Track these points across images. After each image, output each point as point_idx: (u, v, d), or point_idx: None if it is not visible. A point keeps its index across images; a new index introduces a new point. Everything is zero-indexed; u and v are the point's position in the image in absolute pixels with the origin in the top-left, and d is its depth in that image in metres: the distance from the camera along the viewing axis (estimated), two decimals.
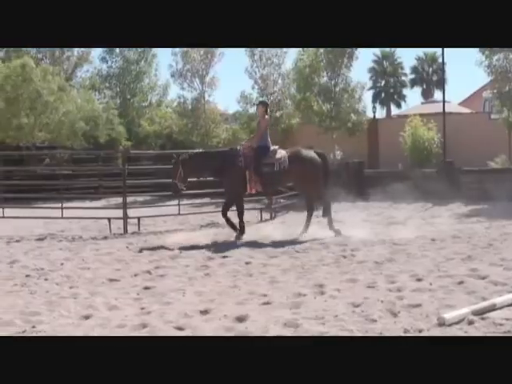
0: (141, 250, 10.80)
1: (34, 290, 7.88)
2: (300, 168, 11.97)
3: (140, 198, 19.45)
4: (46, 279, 8.53)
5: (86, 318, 6.49)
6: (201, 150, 15.01)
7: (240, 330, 5.82)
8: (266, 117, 12.31)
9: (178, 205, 14.79)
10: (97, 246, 11.64)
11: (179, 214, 14.95)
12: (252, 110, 27.72)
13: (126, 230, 13.42)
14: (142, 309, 6.80)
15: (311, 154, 12.38)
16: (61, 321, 6.39)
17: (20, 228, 14.29)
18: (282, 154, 12.03)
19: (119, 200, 15.30)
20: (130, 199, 14.00)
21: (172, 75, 29.40)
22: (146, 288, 7.83)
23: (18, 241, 12.47)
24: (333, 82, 25.94)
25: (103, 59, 32.37)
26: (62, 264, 9.66)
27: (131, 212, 14.12)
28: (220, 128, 28.86)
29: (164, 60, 39.82)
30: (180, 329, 5.95)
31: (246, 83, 29.16)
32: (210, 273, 8.77)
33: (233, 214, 12.27)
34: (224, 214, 12.07)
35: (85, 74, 35.28)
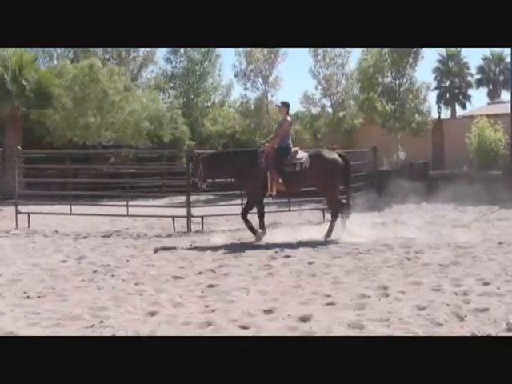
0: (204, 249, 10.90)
1: (101, 285, 8.06)
2: (321, 168, 11.95)
3: (203, 197, 19.62)
4: (112, 275, 8.70)
5: (152, 314, 6.60)
6: (221, 150, 15.00)
7: (304, 329, 5.83)
8: (288, 118, 12.39)
9: (241, 204, 14.84)
10: (161, 243, 11.80)
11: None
12: (315, 110, 27.68)
13: (189, 229, 13.57)
14: (207, 307, 6.88)
15: (333, 155, 12.45)
16: (127, 316, 6.51)
17: (87, 225, 14.62)
18: (302, 154, 12.13)
19: (182, 199, 15.46)
20: (193, 198, 14.12)
21: (235, 75, 29.57)
22: (210, 286, 7.91)
23: (85, 237, 12.76)
24: (397, 82, 25.61)
25: (168, 60, 32.83)
26: (127, 261, 9.84)
27: (195, 211, 14.26)
28: None
29: (228, 60, 40.25)
30: (244, 327, 5.99)
31: (309, 83, 29.15)
32: (273, 272, 8.79)
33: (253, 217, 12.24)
34: (244, 217, 12.14)
35: (150, 74, 35.87)
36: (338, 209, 12.20)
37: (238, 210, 14.90)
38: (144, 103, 27.85)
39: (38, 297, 7.49)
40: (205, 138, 31.17)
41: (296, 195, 15.37)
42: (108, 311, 6.72)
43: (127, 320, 6.36)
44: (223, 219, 15.37)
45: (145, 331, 5.90)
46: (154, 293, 7.59)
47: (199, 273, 8.83)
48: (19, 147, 18.30)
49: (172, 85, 32.87)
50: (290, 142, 12.28)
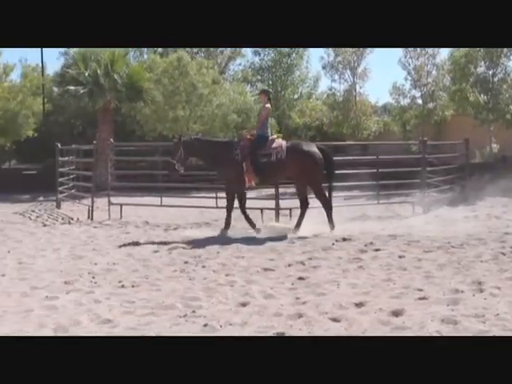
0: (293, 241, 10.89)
1: (192, 276, 8.18)
2: (297, 160, 11.67)
3: (290, 190, 19.60)
4: (203, 266, 8.82)
5: (243, 305, 6.66)
6: (203, 137, 14.79)
7: (397, 324, 5.75)
8: (267, 105, 12.08)
9: (330, 196, 14.74)
10: (249, 235, 11.87)
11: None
12: (404, 101, 27.25)
13: (277, 221, 13.58)
14: (297, 299, 6.88)
15: (311, 147, 12.08)
16: (219, 307, 6.59)
17: (176, 216, 14.87)
18: (278, 143, 11.85)
19: (270, 191, 15.48)
20: (280, 190, 14.10)
21: (323, 67, 29.47)
22: (300, 278, 7.90)
23: (175, 228, 12.97)
24: (491, 72, 24.89)
25: (256, 52, 32.89)
26: (218, 252, 9.94)
27: (283, 203, 14.26)
28: (371, 120, 28.59)
29: (315, 52, 39.96)
30: (336, 320, 5.96)
31: (399, 74, 28.75)
32: (363, 265, 8.70)
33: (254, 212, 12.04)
34: (228, 212, 12.01)
35: (237, 67, 36.05)
36: (307, 203, 12.05)
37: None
38: (232, 96, 28.02)
39: (133, 286, 7.68)
40: (292, 130, 31.13)
41: (384, 188, 15.18)
42: (200, 301, 6.82)
43: (219, 310, 6.43)
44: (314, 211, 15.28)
45: (237, 321, 5.96)
46: (245, 284, 7.65)
47: (289, 265, 8.84)
48: (111, 140, 18.75)
49: (259, 77, 32.92)
50: (268, 130, 12.07)
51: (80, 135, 28.07)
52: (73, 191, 17.91)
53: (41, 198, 20.31)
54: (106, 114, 24.47)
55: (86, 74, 23.52)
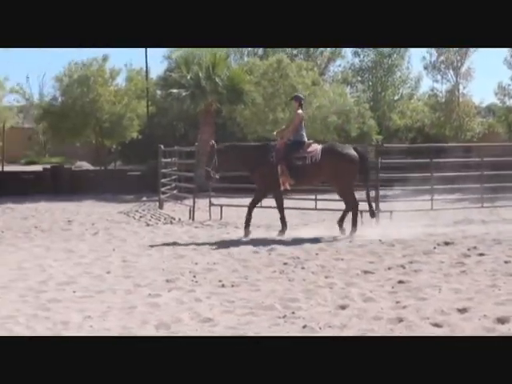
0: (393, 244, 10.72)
1: (291, 277, 8.20)
2: (332, 162, 11.74)
3: (390, 192, 19.31)
4: (302, 268, 8.82)
5: (343, 308, 6.62)
6: (237, 143, 14.61)
7: (502, 331, 5.57)
8: (300, 111, 12.18)
9: (431, 200, 14.49)
10: (347, 237, 11.77)
11: (432, 209, 14.61)
12: (510, 102, 26.36)
13: (378, 223, 13.40)
14: (397, 303, 6.78)
15: (347, 149, 12.16)
16: (318, 309, 6.58)
17: (276, 217, 14.89)
18: (314, 147, 11.95)
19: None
20: (381, 193, 13.93)
21: (425, 67, 28.91)
22: (401, 282, 7.78)
23: (275, 230, 13.00)
24: None
25: (356, 53, 32.63)
26: (316, 254, 9.92)
27: (383, 206, 14.08)
28: (474, 121, 27.80)
29: (417, 53, 39.10)
30: (437, 326, 5.84)
31: (505, 74, 27.81)
32: (466, 270, 8.47)
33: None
34: (249, 210, 12.20)
35: (337, 68, 35.87)
36: (355, 205, 11.99)
37: (428, 205, 14.56)
38: (332, 97, 27.90)
39: (232, 286, 7.78)
40: (392, 132, 30.70)
41: (489, 190, 14.74)
42: (299, 303, 6.83)
43: (318, 312, 6.42)
44: (413, 215, 15.01)
45: (336, 324, 5.93)
46: (344, 286, 7.60)
47: (389, 268, 8.71)
48: (213, 142, 19.07)
49: (359, 78, 32.64)
50: (304, 134, 12.11)
51: (182, 137, 28.66)
52: (175, 192, 18.31)
53: (144, 199, 20.86)
54: (207, 116, 24.84)
55: (188, 77, 23.96)
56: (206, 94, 24.08)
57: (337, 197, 12.77)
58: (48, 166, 25.13)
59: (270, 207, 12.96)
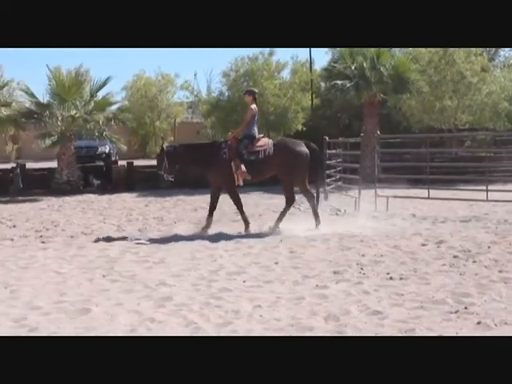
0: None
1: (462, 271, 7.94)
2: (282, 158, 11.82)
3: None
4: (473, 261, 8.52)
5: None
6: (186, 142, 13.83)
7: None
8: (253, 106, 12.15)
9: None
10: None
11: None
12: None
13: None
14: None
15: (298, 145, 12.17)
16: (493, 305, 6.33)
17: (443, 209, 14.51)
18: (265, 141, 12.06)
19: None
20: None
21: None
22: None
23: (442, 222, 12.67)
24: None
25: None
26: (488, 247, 9.53)
27: None
28: None
29: None
30: None
31: None
32: None
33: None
34: (211, 210, 12.10)
35: (508, 53, 34.19)
36: (293, 200, 12.09)
37: None
38: (502, 83, 26.66)
39: (401, 278, 7.66)
40: None
41: None
42: (472, 298, 6.60)
43: (493, 308, 6.17)
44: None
45: None
46: None
47: None
48: (378, 132, 18.87)
49: None
50: (255, 129, 12.09)
51: (346, 128, 28.55)
52: (339, 183, 18.28)
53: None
54: (371, 107, 24.58)
55: (353, 68, 23.81)
56: (371, 85, 23.81)
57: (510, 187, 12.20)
58: None
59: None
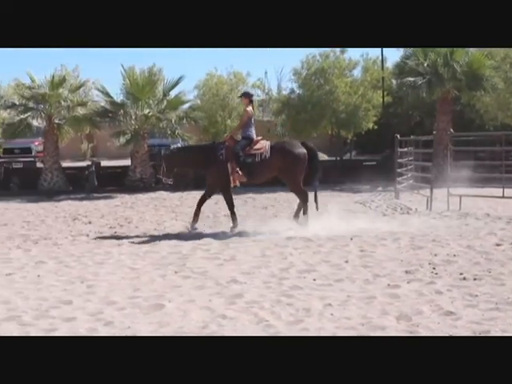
0: None
1: None
2: (281, 159, 11.91)
3: None
4: None
5: None
6: (183, 145, 13.66)
7: None
8: (249, 108, 12.34)
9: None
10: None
11: None
12: None
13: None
14: None
15: (295, 146, 12.22)
16: None
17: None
18: (263, 144, 12.09)
19: None
20: None
21: None
22: None
23: None
24: None
25: None
26: None
27: None
28: None
29: None
30: None
31: None
32: None
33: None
34: (199, 204, 12.26)
35: None
36: (303, 198, 12.01)
37: None
38: None
39: (474, 279, 7.54)
40: None
41: None
42: None
43: None
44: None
45: None
46: None
47: None
48: (451, 130, 18.54)
49: None
50: (253, 131, 12.23)
51: (417, 126, 28.16)
52: (411, 182, 18.06)
53: (379, 189, 20.78)
54: (444, 104, 24.14)
55: (425, 65, 23.44)
56: (443, 81, 23.37)
57: None
58: None
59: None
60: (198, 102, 25.18)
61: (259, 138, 12.50)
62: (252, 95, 13.24)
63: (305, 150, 12.15)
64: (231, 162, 12.02)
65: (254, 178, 12.38)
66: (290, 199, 16.34)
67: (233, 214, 12.30)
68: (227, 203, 12.40)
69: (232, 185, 12.20)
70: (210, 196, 12.66)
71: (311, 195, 12.02)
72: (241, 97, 13.43)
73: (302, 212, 12.12)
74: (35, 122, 24.08)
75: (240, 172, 11.95)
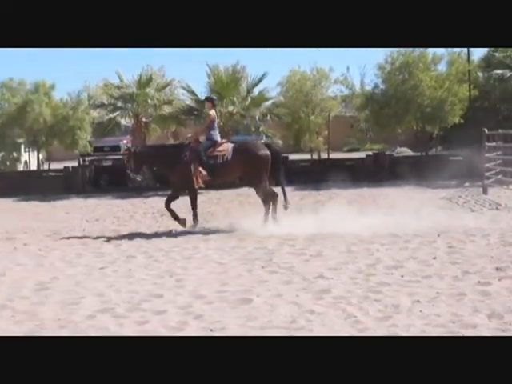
0: None
1: None
2: (242, 160, 12.23)
3: None
4: None
5: None
6: (153, 144, 14.14)
7: None
8: (211, 112, 12.84)
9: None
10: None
11: None
12: None
13: None
14: None
15: (258, 147, 12.58)
16: None
17: None
18: (225, 147, 12.48)
19: None
20: None
21: None
22: None
23: None
24: None
25: None
26: None
27: None
28: None
29: None
30: None
31: None
32: None
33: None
34: (167, 205, 12.60)
35: None
36: (267, 199, 12.28)
37: None
38: None
39: None
40: None
41: None
42: None
43: None
44: None
45: None
46: None
47: None
48: None
49: None
50: (216, 134, 12.66)
51: (505, 120, 27.37)
52: (500, 177, 17.61)
53: (466, 184, 20.34)
54: None
55: None
56: None
57: None
58: (370, 153, 25.75)
59: None
60: (281, 98, 25.29)
61: (223, 140, 13.04)
62: (214, 99, 13.99)
63: (268, 152, 12.45)
64: (194, 163, 12.47)
65: (219, 178, 12.90)
66: (374, 194, 16.31)
67: (195, 211, 12.79)
68: (191, 201, 12.86)
69: (196, 185, 12.63)
70: (177, 196, 13.03)
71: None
72: (203, 101, 14.42)
73: (274, 209, 12.43)
74: (123, 121, 24.77)
75: (203, 172, 12.39)
